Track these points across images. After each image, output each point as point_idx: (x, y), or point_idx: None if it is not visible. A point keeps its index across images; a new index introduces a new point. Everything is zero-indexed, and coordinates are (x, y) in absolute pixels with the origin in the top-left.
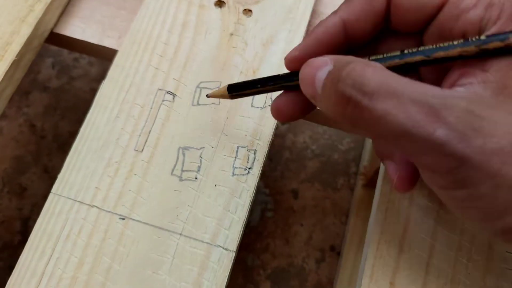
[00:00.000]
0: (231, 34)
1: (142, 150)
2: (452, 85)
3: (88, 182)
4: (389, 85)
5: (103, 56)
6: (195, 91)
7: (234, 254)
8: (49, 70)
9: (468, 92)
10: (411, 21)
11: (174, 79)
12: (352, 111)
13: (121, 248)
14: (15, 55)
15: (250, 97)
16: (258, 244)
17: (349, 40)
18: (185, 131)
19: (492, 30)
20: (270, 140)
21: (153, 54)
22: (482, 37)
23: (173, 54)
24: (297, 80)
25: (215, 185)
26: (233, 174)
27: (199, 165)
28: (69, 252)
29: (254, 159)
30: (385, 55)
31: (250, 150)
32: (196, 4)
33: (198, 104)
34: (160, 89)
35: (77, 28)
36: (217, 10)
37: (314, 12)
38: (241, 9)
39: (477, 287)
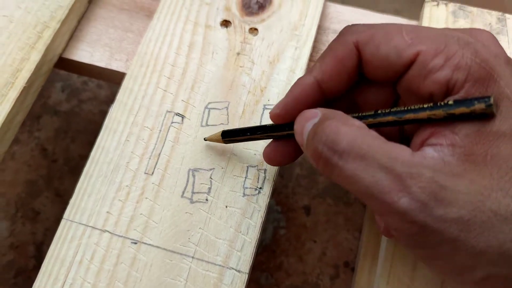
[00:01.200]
0: (238, 54)
1: (153, 173)
2: (423, 142)
3: (100, 206)
4: (360, 146)
5: (112, 80)
6: (204, 112)
7: (247, 276)
8: (59, 94)
9: (435, 158)
10: (382, 76)
11: (182, 100)
12: (323, 167)
13: (134, 272)
14: (25, 81)
15: (258, 118)
16: (272, 263)
17: (325, 95)
18: (195, 152)
19: (461, 93)
20: None
21: (161, 76)
22: (450, 102)
23: (181, 75)
24: (283, 131)
25: (226, 206)
26: (244, 195)
27: (209, 186)
28: (82, 277)
29: (265, 178)
30: (360, 114)
31: (260, 169)
32: (202, 25)
33: (207, 124)
34: (169, 111)
35: (85, 52)
36: (223, 30)
37: (319, 28)
38: (247, 28)
39: None
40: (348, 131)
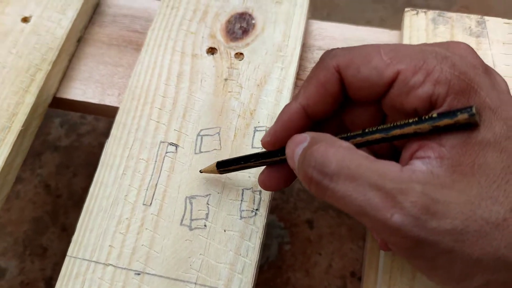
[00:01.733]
0: (226, 79)
1: (151, 203)
2: (411, 155)
3: (102, 241)
4: (349, 167)
5: (106, 114)
6: (196, 139)
7: None
8: (58, 129)
9: (424, 171)
10: (365, 97)
11: (175, 130)
12: (315, 189)
13: None
14: (21, 125)
15: (250, 140)
16: (279, 279)
17: (312, 119)
18: (190, 180)
19: (444, 107)
20: None
21: (152, 107)
22: (434, 115)
23: (172, 105)
24: (275, 157)
25: (225, 230)
26: (241, 217)
27: (207, 212)
28: None
29: (260, 199)
30: (348, 134)
31: (255, 191)
32: (188, 54)
33: (200, 151)
34: (163, 142)
35: (78, 90)
36: (210, 57)
37: (304, 46)
38: (233, 53)
39: None
40: (336, 152)
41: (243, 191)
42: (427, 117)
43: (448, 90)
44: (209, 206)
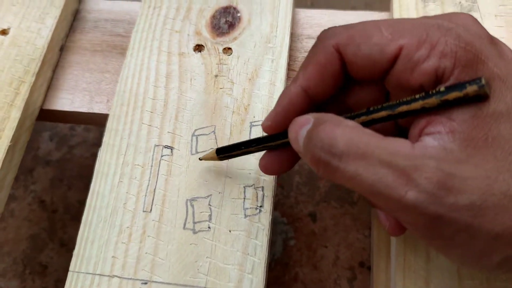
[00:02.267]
0: (216, 76)
1: (151, 210)
2: (420, 132)
3: (104, 252)
4: (358, 146)
5: (96, 122)
6: (192, 140)
7: None
8: (48, 143)
9: (437, 147)
10: (368, 75)
11: (168, 132)
12: (324, 171)
13: None
14: (9, 140)
15: (247, 136)
16: (287, 276)
17: (314, 100)
18: (189, 182)
19: (451, 80)
20: None
21: (143, 111)
22: (442, 89)
23: (163, 107)
24: (276, 141)
25: (230, 231)
26: (245, 216)
27: (209, 213)
28: None
29: (263, 195)
30: (353, 114)
31: (258, 187)
32: (175, 53)
33: (196, 152)
34: (157, 145)
35: (65, 100)
36: (197, 55)
37: (293, 35)
38: (221, 49)
39: None
40: (343, 132)
41: (245, 188)
42: (434, 91)
43: (454, 63)
44: (211, 207)
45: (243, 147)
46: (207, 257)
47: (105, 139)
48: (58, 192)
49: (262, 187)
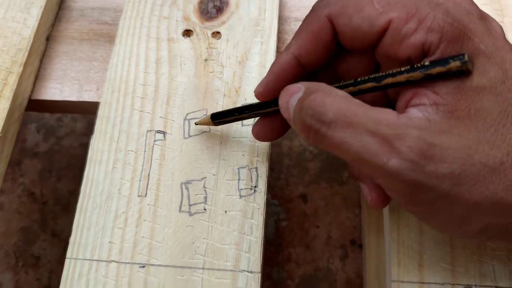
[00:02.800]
0: (206, 60)
1: (146, 194)
2: (406, 104)
3: (101, 238)
4: (345, 115)
5: (86, 111)
6: (184, 124)
7: (259, 275)
8: (35, 135)
9: (421, 118)
10: (358, 46)
11: (160, 117)
12: (313, 138)
13: None
14: None
15: None
16: (280, 256)
17: (306, 69)
18: (183, 165)
19: (437, 54)
20: (268, 154)
21: (134, 97)
22: (426, 63)
23: (154, 93)
24: (269, 108)
25: (226, 212)
26: (240, 196)
27: (205, 195)
28: None
29: (257, 176)
30: (340, 84)
31: (251, 168)
32: (164, 39)
33: (189, 136)
34: (149, 130)
35: (54, 90)
36: (186, 40)
37: (281, 18)
38: (210, 33)
39: (503, 247)
40: (333, 101)
41: (239, 170)
42: (419, 65)
43: (441, 38)
44: (206, 189)
45: (236, 113)
46: (204, 238)
47: (97, 126)
48: (47, 183)
49: (256, 168)
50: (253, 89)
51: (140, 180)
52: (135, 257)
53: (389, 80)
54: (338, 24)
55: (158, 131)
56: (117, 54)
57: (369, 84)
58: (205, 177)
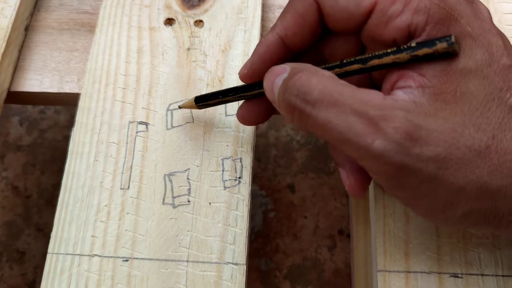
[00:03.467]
0: (188, 49)
1: (129, 187)
2: (392, 86)
3: (83, 232)
4: (331, 94)
5: (68, 103)
6: (167, 115)
7: (245, 267)
8: (18, 128)
9: (407, 100)
10: (344, 28)
11: (142, 108)
12: (298, 118)
13: None
14: None
15: (223, 107)
16: (268, 247)
17: (291, 50)
18: (166, 157)
19: (423, 36)
20: (253, 144)
21: (115, 88)
22: (413, 45)
23: (136, 83)
24: (253, 91)
25: (210, 203)
26: (225, 188)
27: (188, 187)
28: None
29: (242, 167)
30: (326, 65)
31: (236, 159)
32: (146, 28)
33: (172, 127)
34: (132, 122)
35: (34, 81)
36: (168, 28)
37: (264, 6)
38: (192, 21)
39: (489, 235)
40: (319, 81)
41: (222, 161)
42: (405, 46)
43: (427, 19)
44: (190, 181)
45: (220, 96)
46: (188, 231)
47: (77, 118)
48: (31, 177)
49: (240, 159)
50: (237, 78)
51: (122, 173)
52: (118, 251)
53: (375, 62)
54: (324, 5)
55: (141, 122)
56: (97, 43)
57: (355, 66)
58: (189, 169)
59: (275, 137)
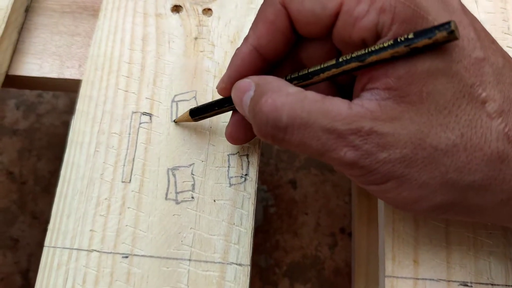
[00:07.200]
0: (196, 38)
1: (130, 180)
2: (362, 88)
3: (81, 226)
4: (300, 116)
5: (68, 89)
6: (172, 106)
7: (249, 268)
8: (14, 112)
9: (373, 105)
10: (313, 32)
11: (146, 98)
12: (273, 142)
13: None
14: None
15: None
16: (268, 243)
17: (267, 60)
18: (170, 150)
19: (389, 35)
20: (260, 140)
21: (119, 76)
22: (410, 36)
23: (140, 72)
24: None
25: (214, 200)
26: (230, 185)
27: (192, 183)
28: None
29: (248, 163)
30: (322, 66)
31: (242, 155)
32: (152, 15)
33: None
34: (135, 112)
35: (33, 65)
36: (176, 16)
37: None
38: (200, 10)
39: (500, 244)
40: (285, 102)
41: (229, 156)
42: (402, 38)
43: (393, 18)
44: (194, 176)
45: (216, 108)
46: (191, 228)
47: (78, 106)
48: (27, 163)
49: (247, 155)
50: None
51: (124, 165)
52: (118, 247)
53: (374, 58)
54: (292, 10)
55: (144, 113)
56: (101, 29)
57: (353, 64)
58: (193, 163)
59: None
